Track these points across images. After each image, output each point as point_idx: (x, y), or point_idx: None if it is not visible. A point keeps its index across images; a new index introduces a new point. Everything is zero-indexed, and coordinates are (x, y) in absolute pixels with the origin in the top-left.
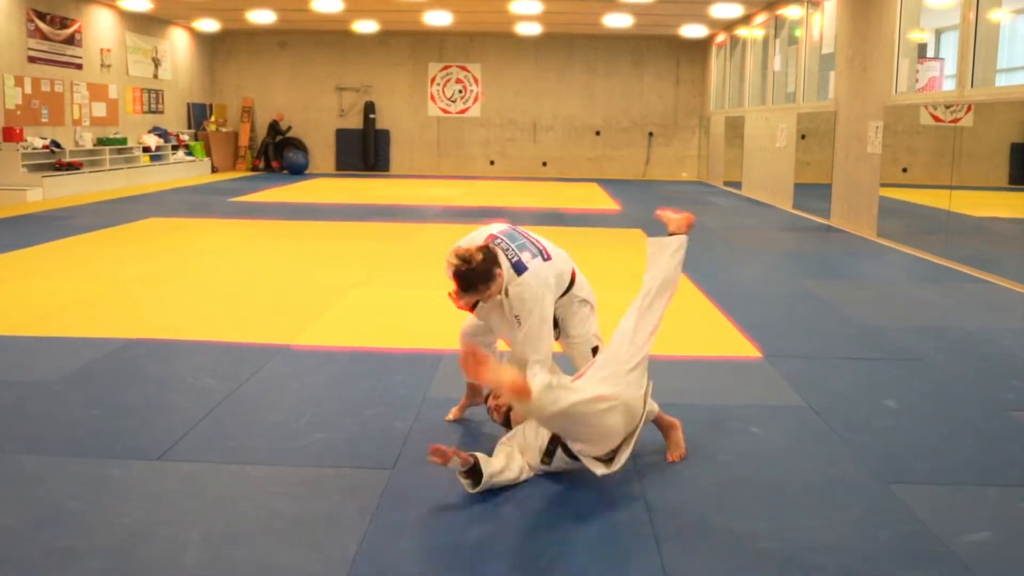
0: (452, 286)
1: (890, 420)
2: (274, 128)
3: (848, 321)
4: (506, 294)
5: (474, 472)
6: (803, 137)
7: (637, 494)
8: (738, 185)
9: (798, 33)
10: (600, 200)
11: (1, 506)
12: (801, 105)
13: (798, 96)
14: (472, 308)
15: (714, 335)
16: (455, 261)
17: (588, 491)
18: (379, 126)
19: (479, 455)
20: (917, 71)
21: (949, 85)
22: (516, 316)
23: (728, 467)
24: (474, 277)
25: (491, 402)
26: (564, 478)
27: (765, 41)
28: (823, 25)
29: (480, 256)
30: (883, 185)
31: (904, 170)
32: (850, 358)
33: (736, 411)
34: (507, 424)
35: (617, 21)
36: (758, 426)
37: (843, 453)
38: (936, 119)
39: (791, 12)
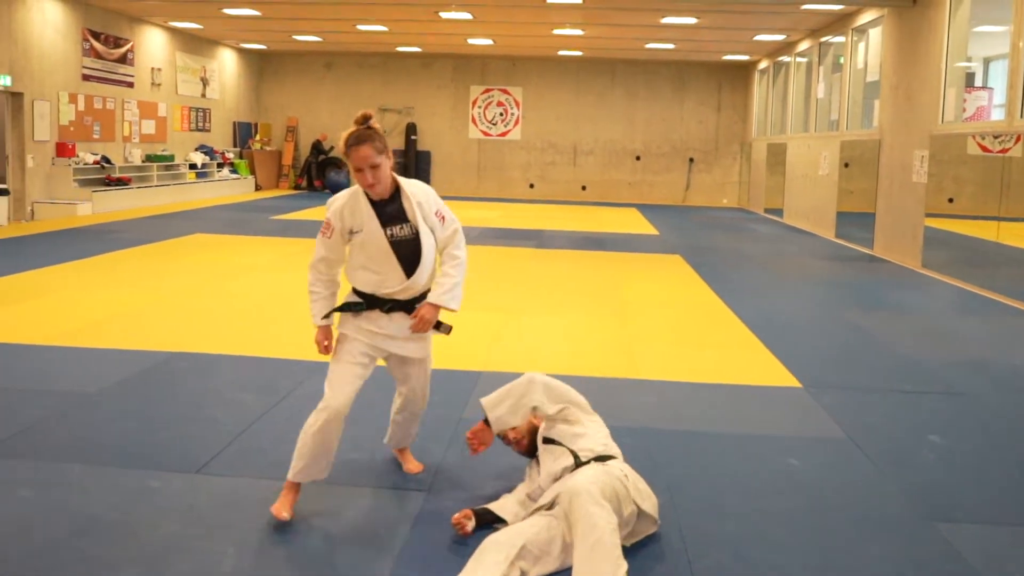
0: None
1: (934, 455)
2: (317, 148)
3: (890, 353)
4: (407, 200)
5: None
6: (846, 165)
7: (673, 524)
8: (779, 212)
9: (842, 60)
10: (639, 225)
11: (42, 513)
12: (845, 133)
13: (842, 124)
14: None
15: (752, 363)
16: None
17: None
18: (420, 147)
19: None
20: (964, 100)
21: (998, 115)
22: (438, 212)
23: (765, 499)
24: (374, 134)
25: (511, 436)
26: None
27: (808, 68)
28: (868, 52)
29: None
30: (928, 215)
31: (950, 200)
32: (892, 391)
33: (774, 441)
34: (531, 453)
35: (659, 46)
36: (797, 457)
37: (885, 488)
38: (984, 149)
39: (835, 39)
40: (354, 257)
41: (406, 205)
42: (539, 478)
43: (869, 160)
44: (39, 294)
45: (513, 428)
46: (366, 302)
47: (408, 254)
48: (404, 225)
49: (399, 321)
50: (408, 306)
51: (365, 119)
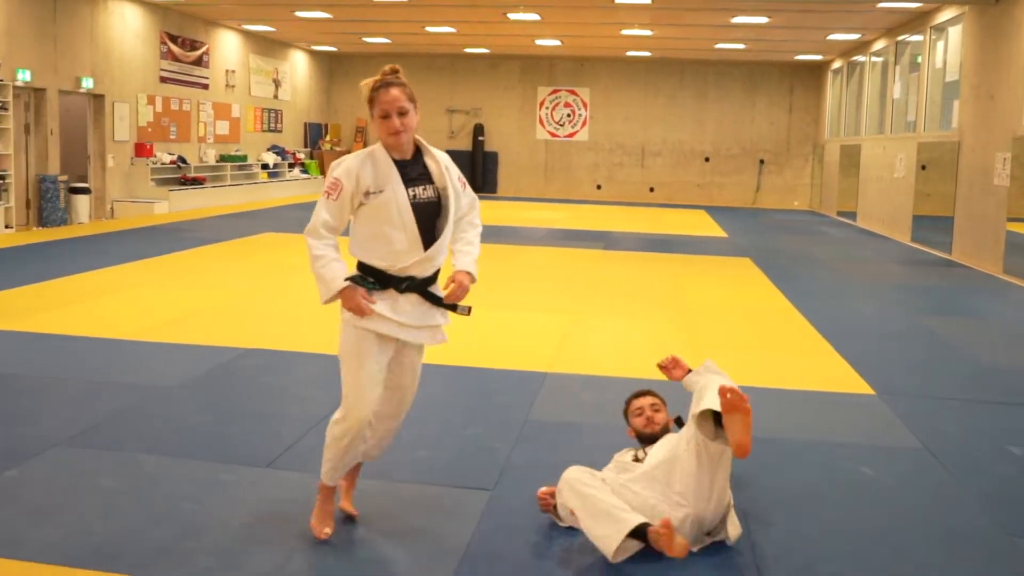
0: None
1: (1014, 467)
2: None
3: (969, 361)
4: (432, 159)
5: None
6: (923, 167)
7: (744, 536)
8: (853, 216)
9: (920, 59)
10: (707, 227)
11: (120, 502)
12: (922, 134)
13: (919, 125)
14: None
15: (823, 369)
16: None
17: None
18: (487, 148)
19: None
20: None
21: None
22: (459, 177)
23: (837, 509)
24: (404, 82)
25: (658, 417)
26: None
27: (884, 67)
28: (947, 51)
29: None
30: (1011, 219)
31: None
32: (971, 400)
33: (846, 450)
34: (648, 440)
35: (729, 46)
36: (870, 467)
37: (962, 500)
38: None
39: (913, 38)
40: (363, 226)
41: (431, 165)
42: (642, 457)
43: (947, 162)
44: (119, 290)
45: (665, 415)
46: (379, 281)
47: (426, 220)
48: (428, 187)
49: (416, 304)
50: (422, 286)
51: (393, 71)
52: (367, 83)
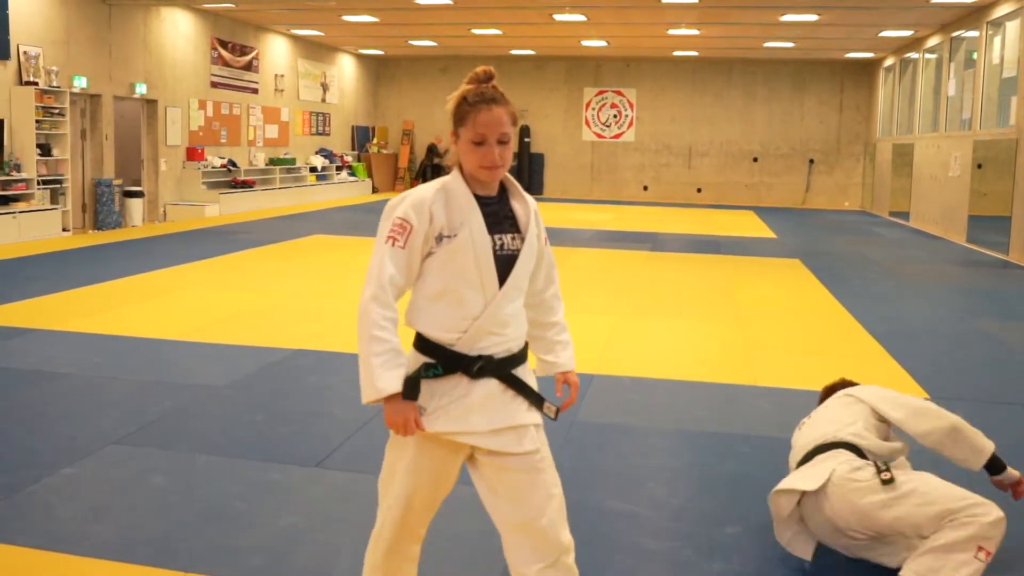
0: None
1: None
2: (432, 151)
3: None
4: (521, 201)
5: None
6: (979, 166)
7: (770, 546)
8: (905, 216)
9: (975, 55)
10: (756, 228)
11: (173, 500)
12: (978, 132)
13: (974, 123)
14: None
15: (876, 372)
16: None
17: (734, 526)
18: (534, 150)
19: None
20: None
21: None
22: (542, 233)
23: None
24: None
25: None
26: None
27: (938, 64)
28: (1004, 47)
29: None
30: None
31: None
32: None
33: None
34: None
35: (778, 44)
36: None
37: (1019, 510)
38: None
39: (968, 33)
40: (428, 283)
41: (518, 209)
42: None
43: (1005, 161)
44: (171, 291)
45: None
46: (444, 362)
47: (506, 278)
48: (515, 236)
49: (493, 397)
50: (502, 368)
51: (488, 76)
52: (457, 95)
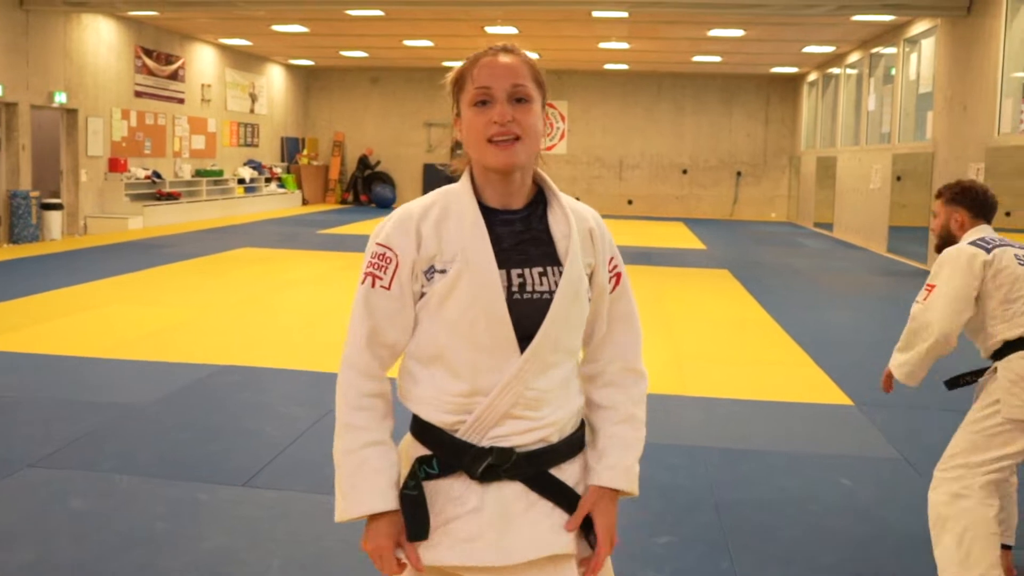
0: None
1: None
2: (363, 162)
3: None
4: (561, 216)
5: None
6: (899, 178)
7: (722, 545)
8: (829, 227)
9: (894, 71)
10: (686, 239)
11: (94, 524)
12: (897, 145)
13: (893, 136)
14: None
15: (801, 380)
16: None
17: (667, 536)
18: None
19: None
20: (1022, 111)
21: None
22: (613, 264)
23: (817, 519)
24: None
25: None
26: (645, 526)
27: (859, 79)
28: (920, 63)
29: None
30: None
31: (1007, 214)
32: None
33: (825, 460)
34: None
35: (706, 59)
36: (849, 477)
37: None
38: None
39: (886, 50)
40: (421, 339)
41: (555, 228)
42: None
43: (922, 173)
44: (92, 307)
45: None
46: (443, 455)
47: (533, 334)
48: (548, 269)
49: (514, 510)
50: (526, 468)
51: (504, 46)
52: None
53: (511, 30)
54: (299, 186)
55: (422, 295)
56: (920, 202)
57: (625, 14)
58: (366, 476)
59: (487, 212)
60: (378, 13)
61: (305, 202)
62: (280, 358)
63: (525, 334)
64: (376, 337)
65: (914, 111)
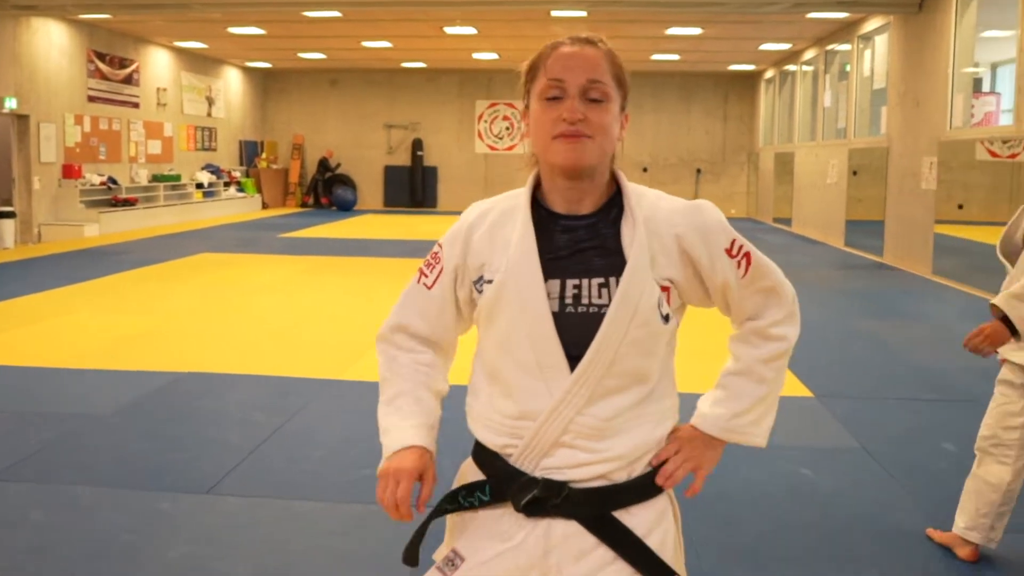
0: None
1: (948, 464)
2: (324, 165)
3: (903, 361)
4: (631, 221)
5: None
6: (855, 173)
7: (685, 537)
8: (788, 222)
9: (848, 68)
10: None
11: (54, 536)
12: (852, 141)
13: (849, 132)
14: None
15: None
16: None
17: None
18: (427, 163)
19: None
20: (972, 106)
21: (1006, 120)
22: (738, 247)
23: (779, 510)
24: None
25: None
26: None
27: (815, 76)
28: (874, 60)
29: None
30: (938, 222)
31: (960, 207)
32: (905, 399)
33: (786, 452)
34: None
35: (664, 57)
36: (809, 468)
37: (900, 498)
38: (993, 154)
39: (841, 47)
40: (483, 354)
41: (626, 235)
42: None
43: (878, 168)
44: (47, 317)
45: None
46: (495, 482)
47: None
48: (611, 281)
49: (562, 551)
50: (580, 506)
51: (587, 36)
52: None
53: (470, 30)
54: (259, 190)
55: (475, 305)
56: (876, 196)
57: (584, 13)
58: (401, 417)
59: (550, 217)
60: (336, 14)
61: (265, 206)
62: (241, 364)
63: (579, 353)
64: (405, 327)
65: (869, 107)
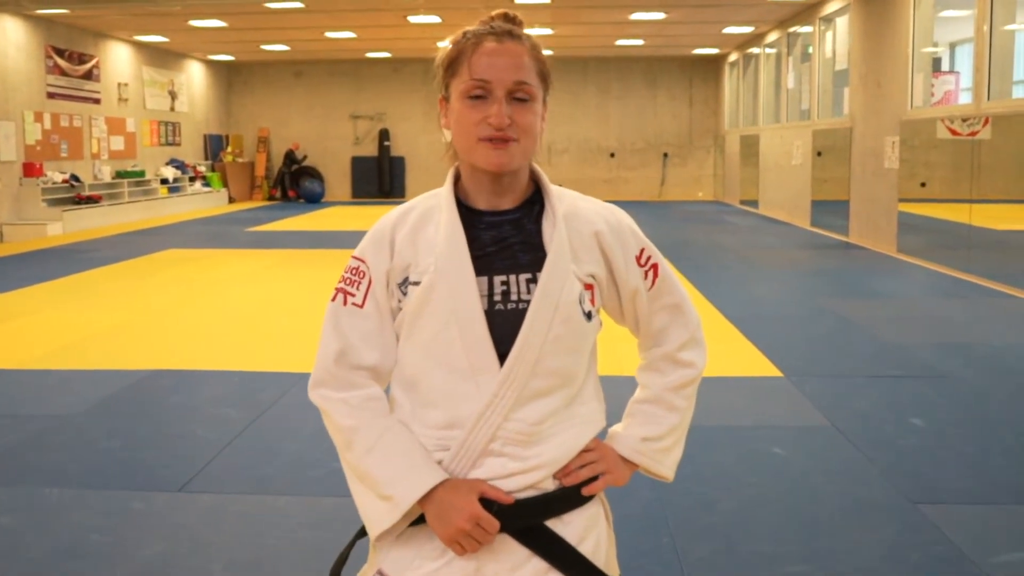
0: None
1: (917, 439)
2: (290, 157)
3: (870, 339)
4: (552, 219)
5: None
6: (819, 154)
7: (660, 518)
8: (755, 204)
9: (811, 50)
10: None
11: (24, 538)
12: (816, 122)
13: (813, 113)
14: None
15: (733, 354)
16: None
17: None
18: (394, 153)
19: None
20: (932, 85)
21: (965, 98)
22: (647, 256)
23: (752, 489)
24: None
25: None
26: None
27: (778, 59)
28: (836, 41)
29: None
30: (902, 200)
31: (923, 185)
32: (874, 376)
33: (758, 432)
34: None
35: (629, 42)
36: (781, 447)
37: (870, 473)
38: (954, 133)
39: (803, 29)
40: (401, 361)
41: (548, 231)
42: None
43: (841, 148)
44: (11, 317)
45: None
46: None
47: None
48: (537, 276)
49: (494, 567)
50: (516, 518)
51: (509, 18)
52: (454, 37)
53: (434, 19)
54: (225, 184)
55: (399, 311)
56: (840, 176)
57: (547, 0)
58: (402, 459)
59: (472, 214)
60: (298, 5)
61: (232, 200)
62: (211, 359)
63: (505, 347)
64: (347, 358)
65: (831, 88)
